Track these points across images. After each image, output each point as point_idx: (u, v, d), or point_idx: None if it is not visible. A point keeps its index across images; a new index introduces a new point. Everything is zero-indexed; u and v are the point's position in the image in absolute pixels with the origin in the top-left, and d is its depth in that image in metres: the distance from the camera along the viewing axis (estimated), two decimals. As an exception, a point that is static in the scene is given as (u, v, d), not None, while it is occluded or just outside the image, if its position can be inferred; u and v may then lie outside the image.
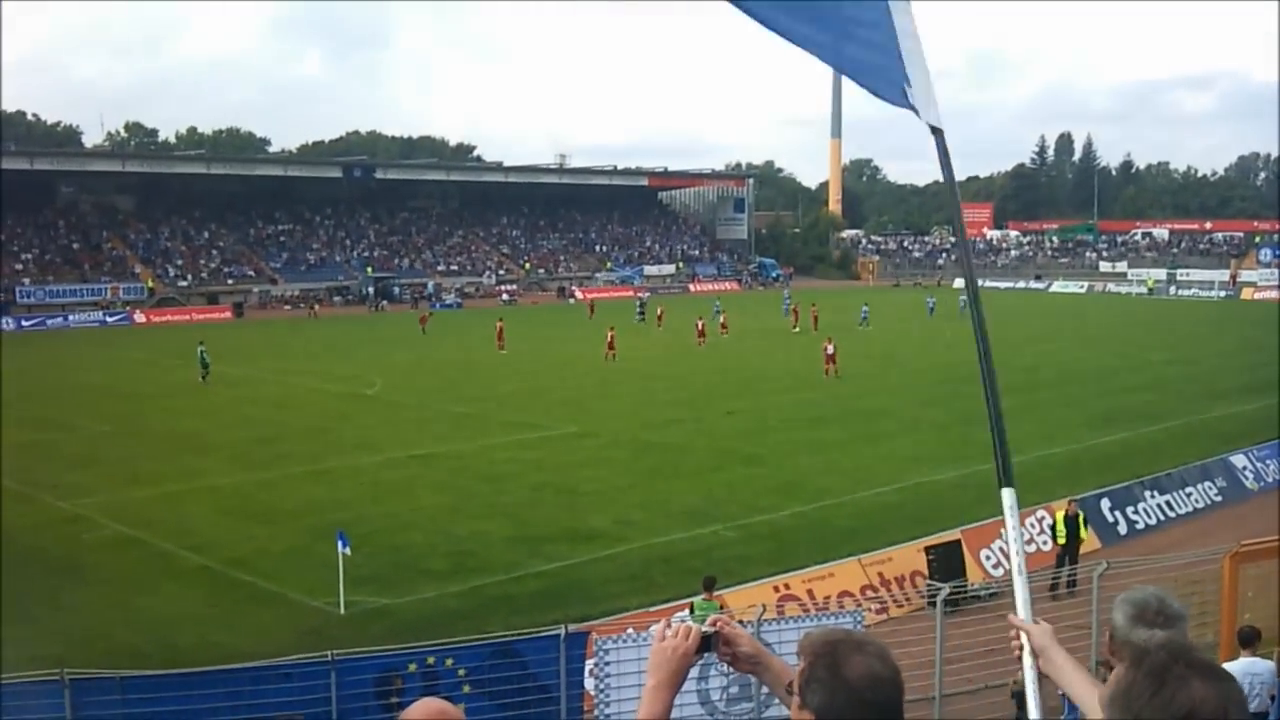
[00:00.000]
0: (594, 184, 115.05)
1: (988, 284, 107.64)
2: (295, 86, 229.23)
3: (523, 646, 12.59)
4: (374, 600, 18.53)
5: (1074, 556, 19.69)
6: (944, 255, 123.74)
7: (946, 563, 19.20)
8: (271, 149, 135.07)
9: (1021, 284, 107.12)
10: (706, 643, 2.76)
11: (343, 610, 17.73)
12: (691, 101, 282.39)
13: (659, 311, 68.85)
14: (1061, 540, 19.83)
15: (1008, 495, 3.21)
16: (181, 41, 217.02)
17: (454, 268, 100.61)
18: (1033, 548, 20.37)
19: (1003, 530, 3.21)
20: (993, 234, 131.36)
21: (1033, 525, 20.89)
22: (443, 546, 21.71)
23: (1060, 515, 20.03)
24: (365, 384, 42.55)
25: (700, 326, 56.81)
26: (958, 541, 19.99)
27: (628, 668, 12.24)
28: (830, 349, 43.92)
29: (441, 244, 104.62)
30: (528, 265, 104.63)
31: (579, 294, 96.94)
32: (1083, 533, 20.34)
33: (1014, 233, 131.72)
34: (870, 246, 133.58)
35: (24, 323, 72.46)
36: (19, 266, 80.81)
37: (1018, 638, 3.03)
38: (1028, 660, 2.97)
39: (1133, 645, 3.10)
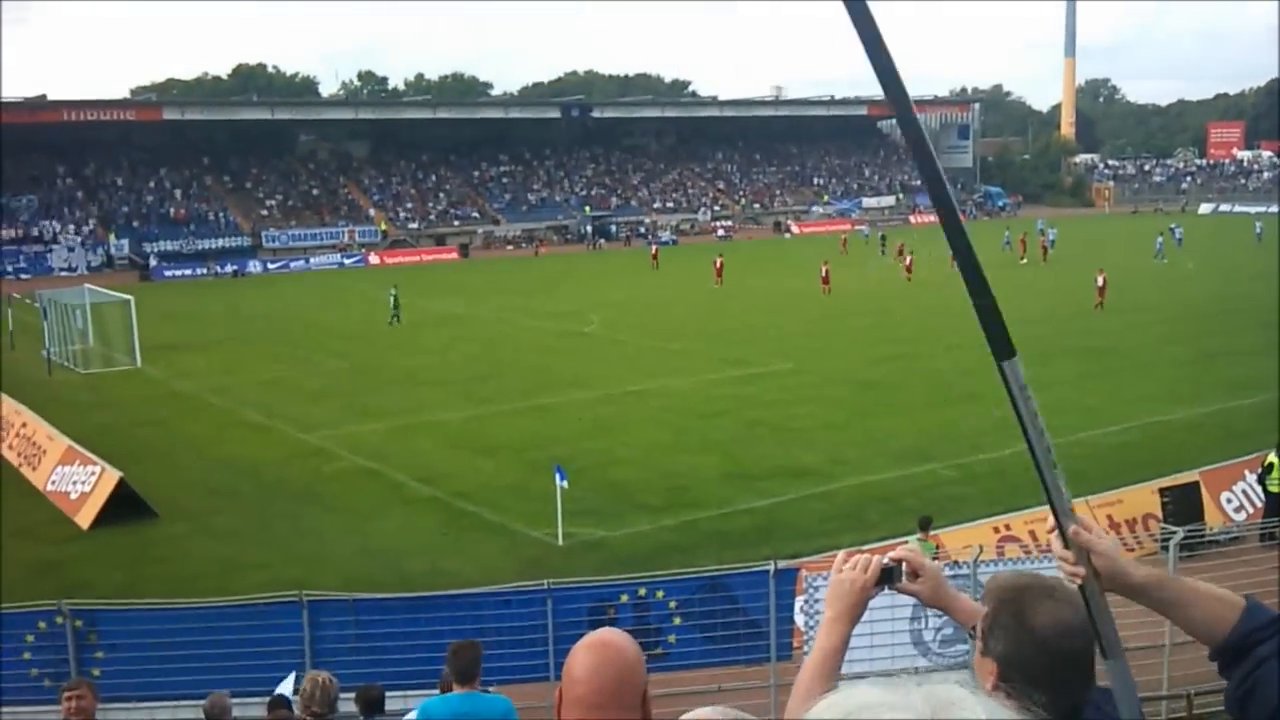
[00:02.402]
0: (811, 115, 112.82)
1: (1238, 208, 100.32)
2: (513, 29, 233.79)
3: (732, 581, 12.63)
4: (590, 532, 18.98)
5: (1276, 507, 18.22)
6: (1188, 179, 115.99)
7: (1183, 505, 18.14)
8: (493, 92, 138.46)
9: (1275, 208, 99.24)
10: (888, 575, 2.63)
11: (560, 541, 18.25)
12: (915, 26, 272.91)
13: (899, 246, 65.12)
14: (1275, 489, 18.39)
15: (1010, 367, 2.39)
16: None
17: (670, 205, 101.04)
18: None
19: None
20: (1244, 154, 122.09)
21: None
22: (657, 481, 22.01)
23: (1276, 459, 18.53)
24: (583, 321, 43.39)
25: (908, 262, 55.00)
26: (1196, 483, 18.85)
27: (838, 606, 12.11)
28: (1101, 281, 41.78)
29: (657, 181, 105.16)
30: (743, 200, 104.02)
31: (795, 228, 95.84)
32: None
33: (1267, 153, 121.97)
34: (1106, 171, 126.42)
35: (269, 265, 77.16)
36: (264, 212, 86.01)
37: (1073, 561, 2.24)
38: (1093, 588, 2.22)
39: None
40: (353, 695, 8.07)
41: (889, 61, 1.99)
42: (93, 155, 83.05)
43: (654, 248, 73.13)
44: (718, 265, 55.32)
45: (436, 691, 8.21)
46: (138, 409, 30.84)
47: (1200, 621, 2.26)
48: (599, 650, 2.43)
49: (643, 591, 12.45)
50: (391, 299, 45.28)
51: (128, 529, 20.10)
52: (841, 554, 2.69)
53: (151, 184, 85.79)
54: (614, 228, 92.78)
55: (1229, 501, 19.14)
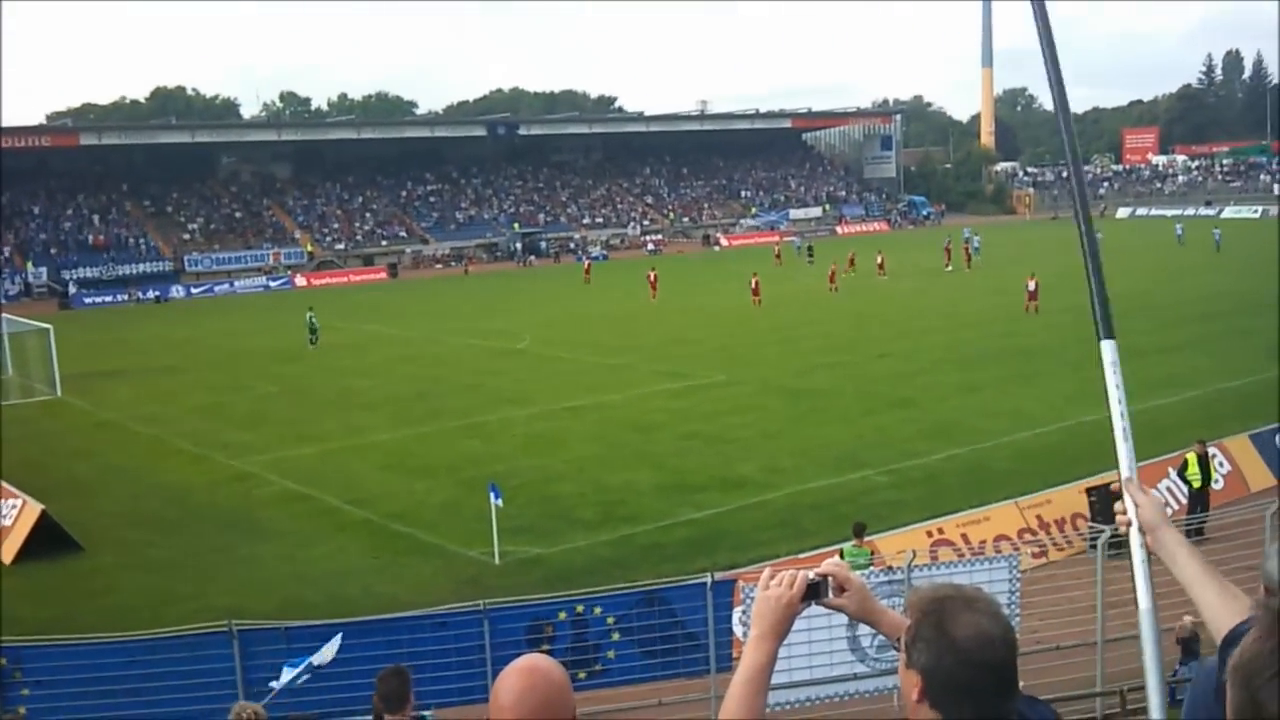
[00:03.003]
0: (736, 129, 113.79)
1: (1154, 212, 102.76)
2: (438, 47, 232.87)
3: (670, 594, 12.63)
4: (527, 550, 18.88)
5: (1205, 503, 18.73)
6: (1105, 185, 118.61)
7: (1108, 504, 18.46)
8: (418, 111, 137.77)
9: (1191, 211, 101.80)
10: (814, 591, 2.63)
11: (498, 560, 18.13)
12: (835, 40, 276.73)
13: (851, 256, 65.16)
14: (1196, 484, 18.88)
15: (1108, 348, 3.06)
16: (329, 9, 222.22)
17: (599, 220, 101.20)
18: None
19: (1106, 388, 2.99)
20: (1159, 159, 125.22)
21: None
22: (593, 496, 21.98)
23: (1193, 457, 19.03)
24: (515, 339, 43.25)
25: (832, 271, 55.54)
26: (1121, 482, 19.22)
27: (776, 615, 12.16)
28: (1032, 285, 42.48)
29: (586, 197, 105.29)
30: (672, 214, 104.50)
31: (724, 241, 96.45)
32: (1213, 475, 19.35)
33: (1181, 157, 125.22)
34: (1026, 179, 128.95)
35: (193, 290, 75.97)
36: (186, 236, 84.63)
37: (1124, 511, 2.73)
38: (1135, 538, 2.68)
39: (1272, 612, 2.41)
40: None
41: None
42: (7, 183, 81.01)
43: (586, 263, 73.18)
44: (652, 279, 55.44)
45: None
46: (61, 440, 30.14)
47: (1205, 605, 2.57)
48: (526, 675, 2.44)
49: (580, 609, 12.41)
50: (309, 321, 44.70)
51: (53, 563, 19.59)
52: (767, 571, 2.69)
53: (69, 210, 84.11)
54: (544, 244, 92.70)
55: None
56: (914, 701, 2.29)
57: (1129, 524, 2.68)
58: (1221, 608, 2.45)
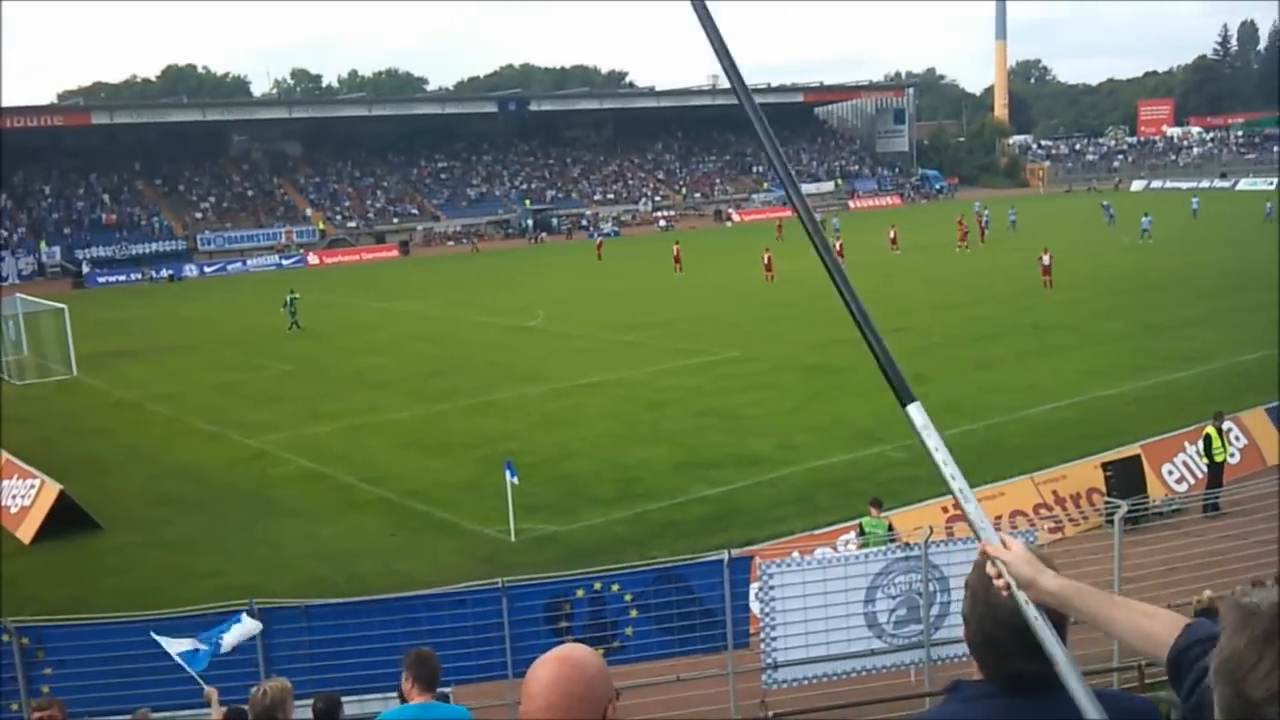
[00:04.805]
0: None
1: (1169, 184, 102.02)
2: (448, 23, 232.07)
3: (686, 571, 12.66)
4: (543, 528, 18.95)
5: (1218, 477, 18.69)
6: (1120, 157, 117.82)
7: (1125, 479, 18.49)
8: (429, 88, 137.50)
9: (1205, 183, 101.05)
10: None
11: (514, 538, 18.21)
12: (847, 13, 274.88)
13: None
14: (1220, 458, 18.82)
15: (915, 411, 2.68)
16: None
17: (610, 196, 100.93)
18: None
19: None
20: (1173, 131, 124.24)
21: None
22: (608, 474, 22.03)
23: (1213, 431, 18.95)
24: (528, 316, 43.26)
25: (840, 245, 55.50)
26: (1137, 456, 19.21)
27: (792, 591, 12.21)
28: (1047, 260, 42.29)
29: (597, 173, 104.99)
30: (683, 190, 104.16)
31: (736, 216, 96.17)
32: (1228, 448, 19.30)
33: (1196, 129, 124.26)
34: (1040, 152, 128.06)
35: (206, 269, 76.07)
36: (199, 215, 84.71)
37: (999, 575, 2.44)
38: (1019, 596, 2.39)
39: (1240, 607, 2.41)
40: (309, 703, 7.99)
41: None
42: (20, 163, 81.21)
43: (598, 240, 73.07)
44: (675, 253, 55.76)
45: (395, 696, 8.15)
46: (78, 419, 30.30)
47: (1129, 632, 2.36)
48: (556, 665, 2.39)
49: (598, 586, 12.44)
50: (289, 302, 43.68)
51: (73, 542, 19.75)
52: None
53: (81, 190, 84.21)
54: (555, 221, 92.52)
55: (1170, 473, 19.53)
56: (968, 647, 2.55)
57: (1005, 588, 2.41)
58: (1151, 626, 2.35)
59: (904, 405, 2.67)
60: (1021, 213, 70.42)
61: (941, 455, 2.62)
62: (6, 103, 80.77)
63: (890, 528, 15.99)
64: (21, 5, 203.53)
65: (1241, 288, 38.50)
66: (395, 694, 8.12)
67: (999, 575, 2.43)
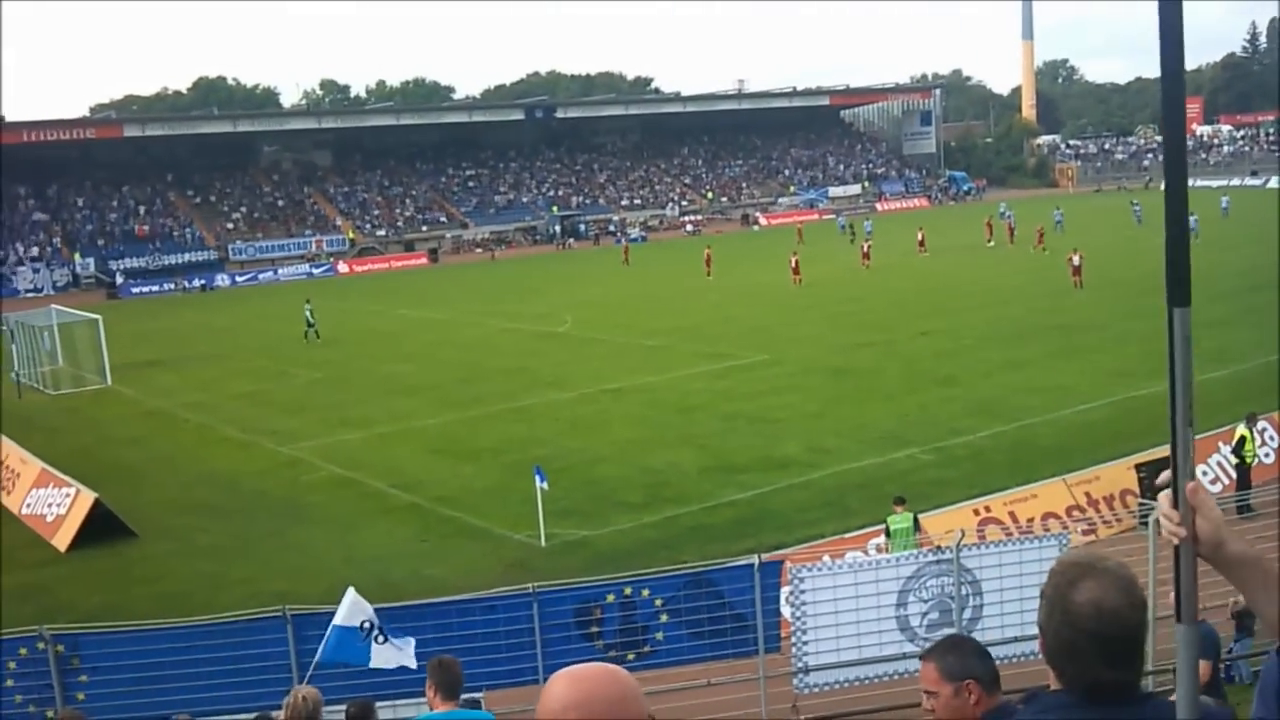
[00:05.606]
0: (774, 107, 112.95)
1: (1199, 183, 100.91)
2: (475, 32, 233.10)
3: (717, 576, 12.66)
4: (573, 533, 18.96)
5: (1245, 478, 18.48)
6: (1150, 156, 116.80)
7: (1160, 481, 18.28)
8: (456, 96, 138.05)
9: (1236, 181, 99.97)
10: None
11: (544, 543, 18.23)
12: (872, 15, 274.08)
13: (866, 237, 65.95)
14: (1251, 459, 18.62)
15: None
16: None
17: (637, 201, 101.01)
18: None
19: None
20: (1203, 129, 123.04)
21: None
22: (637, 478, 22.02)
23: (1247, 432, 18.75)
24: (556, 322, 43.34)
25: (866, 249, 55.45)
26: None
27: (823, 595, 12.17)
28: (1077, 260, 41.99)
29: (624, 178, 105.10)
30: (710, 194, 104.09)
31: (763, 220, 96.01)
32: (1254, 450, 19.09)
33: (1226, 127, 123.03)
34: (1068, 152, 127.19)
35: (238, 278, 76.65)
36: (230, 225, 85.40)
37: (1178, 519, 2.20)
38: (1185, 551, 2.20)
39: None
40: (343, 710, 8.03)
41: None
42: (54, 175, 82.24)
43: (625, 245, 73.15)
44: (707, 256, 55.85)
45: (426, 702, 8.19)
46: (112, 428, 30.60)
47: (1274, 611, 2.27)
48: (574, 683, 2.11)
49: (628, 591, 12.45)
50: (307, 313, 43.45)
51: (107, 550, 19.94)
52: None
53: (114, 202, 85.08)
54: (583, 227, 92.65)
55: (1204, 474, 19.29)
56: (1041, 654, 2.50)
57: (1184, 537, 2.20)
58: None
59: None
60: (1048, 214, 69.89)
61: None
62: (40, 115, 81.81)
63: (916, 521, 15.94)
64: (54, 21, 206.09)
65: (1273, 286, 38.02)
66: (425, 700, 8.16)
67: (1179, 521, 2.20)
